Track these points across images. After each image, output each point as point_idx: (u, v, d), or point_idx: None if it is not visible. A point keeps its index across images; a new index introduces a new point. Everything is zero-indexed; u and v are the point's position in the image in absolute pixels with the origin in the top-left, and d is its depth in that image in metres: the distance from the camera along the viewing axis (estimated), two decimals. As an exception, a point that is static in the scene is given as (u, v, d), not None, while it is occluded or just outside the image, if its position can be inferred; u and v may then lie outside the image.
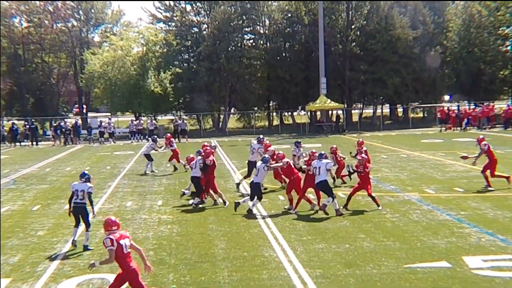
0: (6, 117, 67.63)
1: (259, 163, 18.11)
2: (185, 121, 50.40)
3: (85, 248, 14.04)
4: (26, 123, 52.97)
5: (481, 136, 21.79)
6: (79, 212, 14.28)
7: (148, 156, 27.42)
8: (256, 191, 17.57)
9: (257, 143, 21.79)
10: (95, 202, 19.94)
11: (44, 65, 67.20)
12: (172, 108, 60.15)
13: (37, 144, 48.07)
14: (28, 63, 65.64)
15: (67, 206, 14.93)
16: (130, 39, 59.27)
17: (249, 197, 17.92)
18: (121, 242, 9.52)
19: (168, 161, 28.60)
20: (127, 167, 30.07)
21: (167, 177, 25.84)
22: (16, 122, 53.75)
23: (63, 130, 48.51)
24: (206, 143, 22.18)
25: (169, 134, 30.59)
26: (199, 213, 17.84)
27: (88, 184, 14.29)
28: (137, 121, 51.14)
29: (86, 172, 14.95)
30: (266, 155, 18.81)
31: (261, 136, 22.59)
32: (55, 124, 50.74)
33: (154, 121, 52.38)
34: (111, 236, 9.52)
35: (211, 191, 19.00)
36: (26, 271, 12.54)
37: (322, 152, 17.69)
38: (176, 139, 46.77)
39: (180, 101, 60.70)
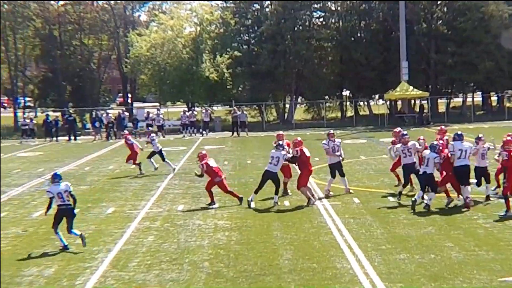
0: (40, 108, 69.34)
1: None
2: (245, 112, 50.47)
3: (65, 248, 15.09)
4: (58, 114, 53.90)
5: None
6: (66, 214, 15.21)
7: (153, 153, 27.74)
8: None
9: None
10: (142, 205, 20.21)
11: (83, 48, 68.31)
12: (230, 97, 60.39)
13: (75, 139, 48.95)
14: (65, 46, 66.92)
15: (49, 212, 15.72)
16: (182, 18, 59.62)
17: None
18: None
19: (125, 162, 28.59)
20: (179, 165, 30.24)
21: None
22: (51, 113, 54.77)
23: (105, 122, 49.32)
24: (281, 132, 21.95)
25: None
26: (261, 219, 17.72)
27: (67, 183, 15.48)
28: (190, 112, 51.53)
29: (58, 173, 15.99)
30: None
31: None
32: (95, 116, 51.65)
33: (209, 112, 52.64)
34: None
35: (302, 188, 19.24)
36: (63, 284, 12.64)
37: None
38: (235, 133, 47.04)
39: (239, 89, 60.83)
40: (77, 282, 12.73)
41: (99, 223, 18.03)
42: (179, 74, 56.28)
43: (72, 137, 49.00)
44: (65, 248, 15.06)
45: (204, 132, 49.25)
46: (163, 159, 27.60)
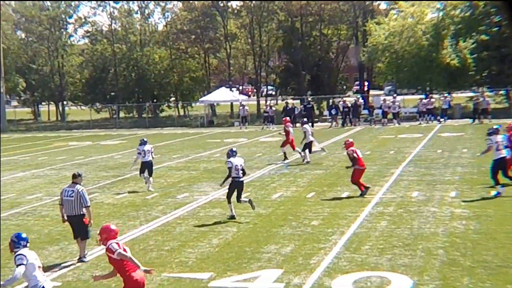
0: (280, 96, 72.04)
1: None
2: (487, 99, 48.25)
3: (232, 217, 16.82)
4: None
5: None
6: (238, 186, 16.94)
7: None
8: None
9: None
10: (376, 191, 20.14)
11: (322, 39, 69.60)
12: (472, 83, 57.84)
13: (312, 126, 50.06)
14: (305, 37, 68.63)
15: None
16: (423, 4, 58.28)
17: None
18: (125, 248, 9.74)
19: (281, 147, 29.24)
20: (414, 152, 29.75)
21: (461, 165, 24.95)
22: (290, 101, 56.62)
23: (341, 109, 49.87)
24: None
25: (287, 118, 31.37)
26: (503, 208, 16.85)
27: (242, 159, 17.37)
28: (427, 99, 50.36)
29: (234, 149, 17.62)
30: None
31: None
32: (332, 104, 52.39)
33: (448, 99, 51.06)
34: (115, 242, 9.69)
35: None
36: (298, 262, 13.00)
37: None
38: (476, 120, 45.26)
39: (484, 74, 58.10)
40: (312, 261, 13.01)
41: (334, 207, 18.28)
42: (417, 61, 55.16)
43: (309, 124, 50.12)
44: (231, 218, 16.93)
45: (442, 119, 47.91)
46: (309, 151, 28.02)
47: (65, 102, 77.23)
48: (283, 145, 29.39)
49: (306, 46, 67.58)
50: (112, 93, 73.75)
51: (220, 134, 47.10)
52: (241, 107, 54.36)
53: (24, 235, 9.78)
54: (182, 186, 23.18)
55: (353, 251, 13.63)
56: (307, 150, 27.89)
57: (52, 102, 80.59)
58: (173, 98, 75.41)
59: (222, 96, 60.83)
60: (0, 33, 67.33)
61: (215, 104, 67.16)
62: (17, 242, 9.56)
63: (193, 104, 72.34)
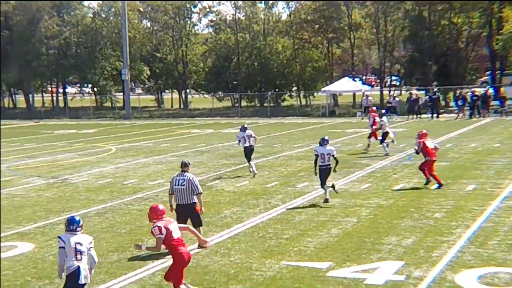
0: (405, 86, 70.70)
1: None
2: None
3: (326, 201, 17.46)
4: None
5: None
6: (327, 172, 17.88)
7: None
8: None
9: None
10: (505, 184, 19.40)
11: (452, 27, 67.57)
12: None
13: (437, 117, 49.02)
14: (433, 26, 66.89)
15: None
16: None
17: None
18: (170, 227, 10.27)
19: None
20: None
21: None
22: (414, 91, 55.52)
23: (470, 100, 48.42)
24: None
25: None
26: None
27: (332, 147, 18.05)
28: None
29: (326, 138, 18.20)
30: None
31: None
32: (459, 95, 50.90)
33: None
34: (158, 224, 10.20)
35: None
36: (420, 255, 12.73)
37: None
38: None
39: None
40: (434, 254, 12.72)
41: (458, 199, 17.80)
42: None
43: (435, 115, 49.26)
44: (325, 201, 17.71)
45: None
46: (380, 142, 28.25)
47: (188, 90, 79.10)
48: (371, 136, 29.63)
49: (433, 35, 65.90)
50: (234, 82, 74.88)
51: (342, 124, 46.87)
52: (364, 97, 53.94)
53: (77, 218, 9.64)
54: (302, 175, 23.21)
55: (478, 245, 13.21)
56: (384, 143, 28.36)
57: (175, 90, 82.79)
58: (295, 88, 75.67)
59: (345, 86, 60.41)
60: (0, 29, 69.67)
61: (337, 94, 66.83)
62: (66, 225, 9.57)
63: (315, 94, 72.26)
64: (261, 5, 76.73)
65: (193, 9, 78.71)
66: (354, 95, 66.04)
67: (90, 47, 76.30)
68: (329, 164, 17.81)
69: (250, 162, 23.61)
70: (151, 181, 23.18)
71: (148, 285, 11.26)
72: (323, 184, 18.01)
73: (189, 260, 10.47)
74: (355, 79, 65.12)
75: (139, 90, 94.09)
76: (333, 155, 17.86)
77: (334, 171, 18.14)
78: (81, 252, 9.30)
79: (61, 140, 40.66)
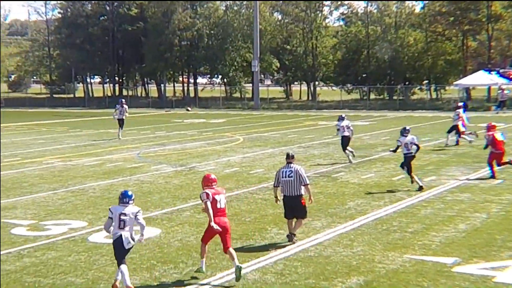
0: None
1: None
2: None
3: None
4: None
5: None
6: (410, 159, 18.82)
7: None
8: None
9: None
10: None
11: None
12: None
13: None
14: None
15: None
16: None
17: None
18: (216, 197, 11.34)
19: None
20: None
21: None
22: None
23: None
24: None
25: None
26: None
27: (413, 136, 18.08)
28: None
29: (407, 127, 18.54)
30: None
31: None
32: None
33: None
34: (207, 191, 11.38)
35: None
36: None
37: None
38: None
39: None
40: None
41: None
42: None
43: None
44: (420, 189, 18.47)
45: None
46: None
47: (316, 83, 79.12)
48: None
49: None
50: (364, 75, 74.20)
51: (475, 118, 45.30)
52: (499, 91, 51.97)
53: (130, 193, 11.00)
54: (430, 169, 22.68)
55: None
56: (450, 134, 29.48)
57: (303, 82, 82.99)
58: (425, 81, 74.06)
59: (479, 79, 58.46)
60: (0, 29, 71.51)
61: (470, 87, 64.76)
62: (120, 198, 10.94)
63: (446, 88, 70.40)
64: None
65: (324, 2, 78.62)
66: (489, 88, 63.75)
67: (221, 39, 77.79)
68: (411, 152, 18.99)
69: (346, 151, 24.57)
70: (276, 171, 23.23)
71: (270, 272, 11.31)
72: (409, 172, 19.11)
73: (224, 229, 11.28)
74: (492, 72, 62.65)
75: (268, 82, 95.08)
76: (415, 143, 19.02)
77: (414, 156, 19.13)
78: (124, 222, 10.69)
79: (190, 129, 41.70)
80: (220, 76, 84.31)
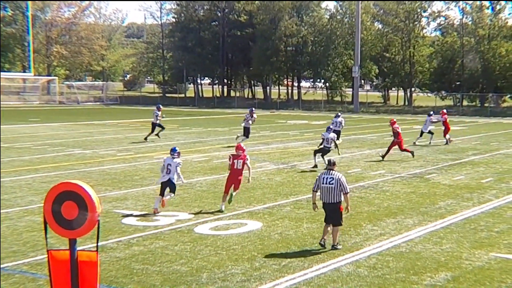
0: None
1: None
2: None
3: None
4: None
5: None
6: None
7: None
8: None
9: None
10: None
11: None
12: None
13: None
14: None
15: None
16: None
17: None
18: (235, 161, 15.68)
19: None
20: None
21: None
22: None
23: None
24: None
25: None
26: None
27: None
28: None
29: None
30: None
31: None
32: None
33: None
34: (231, 155, 15.87)
35: None
36: None
37: None
38: None
39: None
40: None
41: None
42: None
43: None
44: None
45: None
46: None
47: (413, 89, 77.94)
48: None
49: None
50: (457, 83, 72.65)
51: None
52: None
53: (177, 149, 15.41)
54: (519, 174, 22.13)
55: None
56: None
57: (401, 88, 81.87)
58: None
59: None
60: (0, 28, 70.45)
61: None
62: (170, 152, 15.33)
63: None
64: (488, 11, 73.50)
65: (422, 13, 77.26)
66: None
67: (324, 45, 77.75)
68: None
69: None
70: (373, 171, 23.16)
71: (363, 266, 11.35)
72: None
73: (237, 181, 15.86)
74: None
75: (367, 87, 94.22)
76: None
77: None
78: (169, 170, 15.15)
79: (293, 129, 41.91)
80: (322, 81, 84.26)
